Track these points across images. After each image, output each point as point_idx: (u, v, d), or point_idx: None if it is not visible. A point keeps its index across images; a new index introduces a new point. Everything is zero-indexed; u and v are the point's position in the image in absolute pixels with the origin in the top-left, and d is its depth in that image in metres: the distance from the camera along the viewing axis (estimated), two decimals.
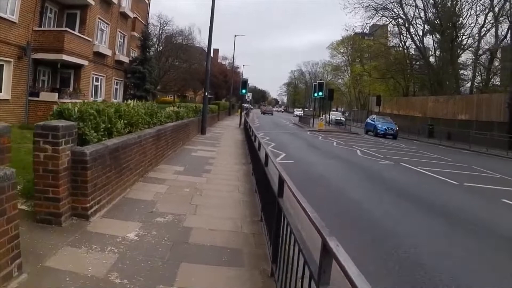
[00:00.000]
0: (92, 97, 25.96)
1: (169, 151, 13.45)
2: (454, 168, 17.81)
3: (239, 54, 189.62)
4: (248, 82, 38.91)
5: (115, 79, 31.02)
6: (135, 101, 10.66)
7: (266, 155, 6.80)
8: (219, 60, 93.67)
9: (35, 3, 21.03)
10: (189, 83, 56.59)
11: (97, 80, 27.64)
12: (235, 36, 59.99)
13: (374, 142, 29.85)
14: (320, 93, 40.48)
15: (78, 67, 24.50)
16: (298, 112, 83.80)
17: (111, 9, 28.92)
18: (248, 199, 8.55)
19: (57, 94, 21.45)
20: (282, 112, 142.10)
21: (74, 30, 23.68)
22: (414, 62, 55.76)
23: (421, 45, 51.12)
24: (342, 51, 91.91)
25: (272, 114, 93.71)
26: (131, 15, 32.71)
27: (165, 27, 51.77)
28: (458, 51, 46.66)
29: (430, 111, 44.47)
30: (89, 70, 25.95)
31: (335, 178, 13.04)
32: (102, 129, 7.19)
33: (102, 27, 27.99)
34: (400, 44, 55.37)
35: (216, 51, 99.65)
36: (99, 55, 27.11)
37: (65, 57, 21.79)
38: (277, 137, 28.02)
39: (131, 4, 33.21)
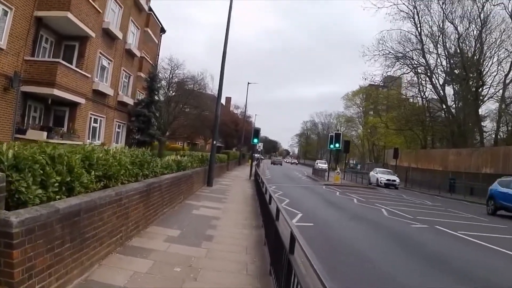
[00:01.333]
0: (88, 139, 23.74)
1: (164, 208, 11.15)
2: (498, 232, 15.31)
3: (250, 103, 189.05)
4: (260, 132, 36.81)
5: (117, 121, 28.75)
6: (119, 147, 8.46)
7: (293, 237, 4.41)
8: (231, 109, 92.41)
9: (27, 29, 18.92)
10: (199, 130, 54.76)
11: (95, 121, 25.40)
12: (248, 83, 58.71)
13: (396, 199, 27.28)
14: (337, 145, 38.11)
15: (73, 105, 22.28)
16: (322, 164, 62.82)
17: (115, 45, 26.98)
18: (260, 286, 6.15)
19: (46, 133, 19.02)
20: (296, 164, 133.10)
21: (71, 63, 21.57)
22: (433, 113, 53.74)
23: (443, 95, 49.03)
24: (357, 102, 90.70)
25: (281, 164, 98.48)
26: (138, 53, 30.76)
27: (176, 71, 50.03)
28: (479, 102, 44.45)
29: (451, 164, 42.11)
30: (86, 109, 23.76)
31: (366, 249, 10.51)
32: (55, 184, 4.92)
33: (104, 63, 25.90)
34: (419, 94, 53.38)
35: (228, 99, 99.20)
36: (99, 94, 24.96)
37: (57, 92, 19.39)
38: (290, 191, 25.63)
39: (138, 42, 31.38)
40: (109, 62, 26.54)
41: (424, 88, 52.39)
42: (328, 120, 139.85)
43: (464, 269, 9.13)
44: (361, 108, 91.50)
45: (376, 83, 55.03)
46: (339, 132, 43.18)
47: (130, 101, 30.10)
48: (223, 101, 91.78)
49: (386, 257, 9.86)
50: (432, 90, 50.74)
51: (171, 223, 10.10)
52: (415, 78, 52.12)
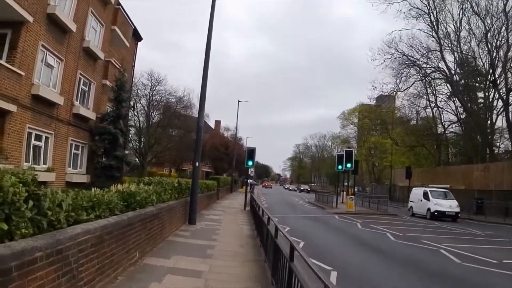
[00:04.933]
0: (27, 162, 17.22)
1: None
2: None
3: (241, 127, 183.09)
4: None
5: (72, 140, 21.87)
6: None
7: None
8: (221, 131, 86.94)
9: None
10: (185, 154, 48.60)
11: (38, 138, 18.56)
12: (239, 101, 53.52)
13: (435, 229, 21.79)
14: (349, 165, 32.04)
15: None
16: (443, 201, 29.28)
17: (68, 40, 20.32)
18: None
19: None
20: (308, 191, 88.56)
21: (1, 57, 15.56)
22: (446, 125, 48.53)
23: (465, 101, 43.05)
24: (354, 121, 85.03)
25: (271, 188, 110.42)
26: (101, 55, 23.81)
27: (157, 87, 44.11)
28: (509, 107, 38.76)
29: (476, 182, 36.65)
30: (22, 120, 16.92)
31: None
32: None
33: (50, 62, 19.09)
34: (429, 105, 47.83)
35: (218, 122, 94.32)
36: (42, 101, 18.20)
37: None
38: (299, 225, 19.88)
39: (103, 42, 24.69)
40: (58, 61, 19.84)
41: (435, 97, 47.00)
42: (322, 142, 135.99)
43: None
44: (357, 127, 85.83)
45: (387, 93, 48.51)
46: (351, 149, 37.10)
47: (92, 115, 23.32)
48: (212, 124, 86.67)
49: None
50: (451, 97, 45.15)
51: None
52: (423, 88, 46.65)
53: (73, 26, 19.78)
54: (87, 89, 23.24)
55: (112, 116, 24.09)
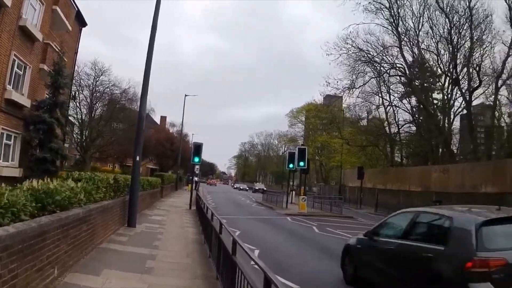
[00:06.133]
0: None
1: None
2: None
3: (188, 123, 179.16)
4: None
5: (4, 129, 19.24)
6: None
7: None
8: (167, 127, 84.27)
9: None
10: (128, 149, 46.03)
11: None
12: (185, 95, 51.10)
13: None
14: (302, 163, 30.23)
15: None
16: None
17: (1, 16, 17.75)
18: None
19: None
20: (263, 191, 62.39)
21: None
22: (402, 125, 48.13)
23: (424, 99, 41.95)
24: (302, 119, 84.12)
25: (215, 185, 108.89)
26: (40, 37, 21.23)
27: (101, 77, 41.58)
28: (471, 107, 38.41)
29: (435, 184, 35.70)
30: None
31: None
32: None
33: None
34: (383, 104, 47.56)
35: (164, 118, 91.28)
36: None
37: None
38: (249, 228, 18.38)
39: (42, 23, 21.94)
40: None
41: (389, 96, 46.66)
42: (268, 140, 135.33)
43: None
44: (305, 125, 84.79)
45: (341, 89, 46.63)
46: (304, 147, 35.48)
47: (26, 102, 20.72)
48: (157, 119, 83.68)
49: None
50: (406, 96, 44.76)
51: None
52: (378, 87, 45.97)
53: (8, 1, 17.28)
54: (22, 73, 20.64)
55: (48, 104, 21.54)
